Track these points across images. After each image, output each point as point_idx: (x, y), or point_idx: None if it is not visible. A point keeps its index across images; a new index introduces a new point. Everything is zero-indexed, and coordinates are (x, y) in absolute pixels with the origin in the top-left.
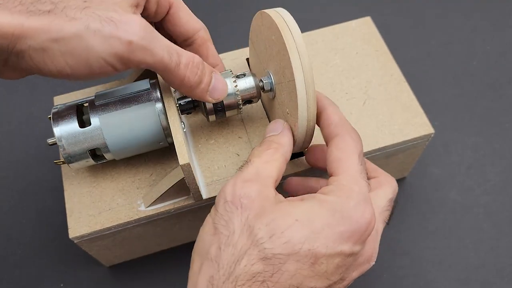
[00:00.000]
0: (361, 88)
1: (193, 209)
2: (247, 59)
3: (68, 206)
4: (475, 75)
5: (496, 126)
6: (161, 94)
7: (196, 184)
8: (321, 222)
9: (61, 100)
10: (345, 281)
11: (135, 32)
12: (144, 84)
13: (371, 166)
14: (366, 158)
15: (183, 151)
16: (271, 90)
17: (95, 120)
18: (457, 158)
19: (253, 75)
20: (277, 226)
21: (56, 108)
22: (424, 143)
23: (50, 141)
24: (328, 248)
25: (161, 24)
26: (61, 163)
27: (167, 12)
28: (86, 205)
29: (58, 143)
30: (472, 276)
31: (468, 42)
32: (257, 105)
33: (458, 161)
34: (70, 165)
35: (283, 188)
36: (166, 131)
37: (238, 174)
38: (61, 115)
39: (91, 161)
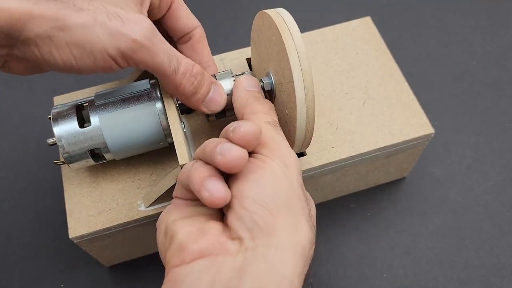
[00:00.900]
0: (361, 88)
1: None
2: (247, 59)
3: (68, 206)
4: (475, 75)
5: (496, 126)
6: (161, 94)
7: None
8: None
9: (61, 100)
10: None
11: (141, 31)
12: (144, 84)
13: None
14: (366, 158)
15: (183, 151)
16: (271, 90)
17: (95, 120)
18: (457, 158)
19: (254, 75)
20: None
21: (56, 108)
22: (424, 143)
23: (50, 141)
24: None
25: (161, 20)
26: (61, 163)
27: (169, 8)
28: (86, 205)
29: (58, 143)
30: (472, 276)
31: (468, 42)
32: None
33: (458, 161)
34: (70, 165)
35: None
36: (166, 131)
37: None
38: (61, 115)
39: (91, 161)
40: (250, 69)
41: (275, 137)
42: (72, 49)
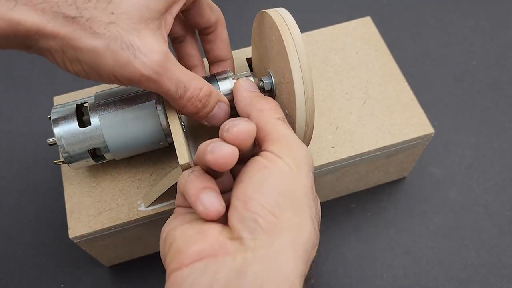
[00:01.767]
0: (361, 88)
1: None
2: (247, 59)
3: (68, 206)
4: (475, 75)
5: (496, 126)
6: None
7: None
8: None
9: (61, 100)
10: None
11: (151, 65)
12: None
13: None
14: (366, 158)
15: (183, 151)
16: (271, 90)
17: (95, 120)
18: (457, 158)
19: (254, 75)
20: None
21: (56, 108)
22: (424, 143)
23: (50, 141)
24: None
25: (184, 13)
26: (61, 163)
27: (215, 30)
28: (86, 205)
29: (58, 143)
30: (472, 276)
31: (468, 42)
32: None
33: (458, 161)
34: (70, 165)
35: None
36: (166, 131)
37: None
38: (61, 115)
39: (91, 161)
40: (251, 69)
41: (286, 133)
42: (83, 65)
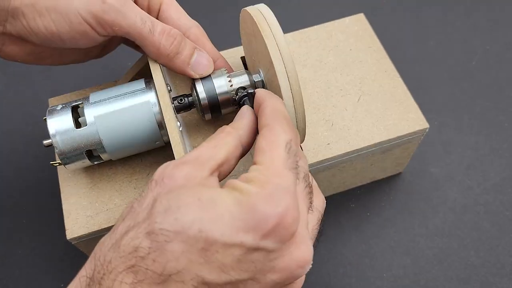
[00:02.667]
0: (356, 85)
1: None
2: (242, 58)
3: (65, 207)
4: (475, 74)
5: (496, 126)
6: (156, 93)
7: None
8: (224, 208)
9: (57, 101)
10: (260, 284)
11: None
12: (139, 83)
13: None
14: (362, 154)
15: (180, 150)
16: (263, 87)
17: (90, 120)
18: (456, 158)
19: (248, 72)
20: (176, 201)
21: (51, 109)
22: (419, 138)
23: (46, 142)
24: (223, 236)
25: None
26: (57, 164)
27: (159, 9)
28: (83, 206)
29: (54, 144)
30: (472, 276)
31: (467, 41)
32: None
33: (458, 160)
34: (66, 166)
35: None
36: (162, 130)
37: (179, 158)
38: (56, 116)
39: (87, 162)
40: (246, 67)
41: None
42: (51, 13)
